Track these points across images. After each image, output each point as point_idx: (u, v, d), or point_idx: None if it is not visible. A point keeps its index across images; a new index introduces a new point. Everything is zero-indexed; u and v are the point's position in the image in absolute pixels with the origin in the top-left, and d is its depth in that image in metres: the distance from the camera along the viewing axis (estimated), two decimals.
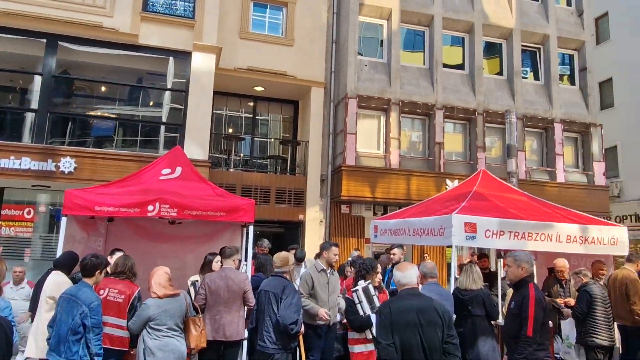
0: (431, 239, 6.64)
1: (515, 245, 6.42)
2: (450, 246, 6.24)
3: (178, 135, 10.70)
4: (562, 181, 13.66)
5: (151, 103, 11.68)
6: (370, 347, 4.91)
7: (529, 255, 4.21)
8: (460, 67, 13.93)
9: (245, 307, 5.04)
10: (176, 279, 4.86)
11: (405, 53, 13.53)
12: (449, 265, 8.31)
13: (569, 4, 15.45)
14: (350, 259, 7.66)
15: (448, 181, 12.25)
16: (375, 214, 12.37)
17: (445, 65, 13.52)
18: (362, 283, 4.94)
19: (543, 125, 14.05)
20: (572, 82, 15.00)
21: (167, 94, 11.34)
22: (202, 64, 10.78)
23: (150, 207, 5.38)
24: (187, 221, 6.52)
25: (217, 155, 13.16)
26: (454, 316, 5.28)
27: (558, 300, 6.16)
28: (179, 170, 6.21)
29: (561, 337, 6.29)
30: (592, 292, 5.81)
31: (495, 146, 13.91)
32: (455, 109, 13.15)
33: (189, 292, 5.15)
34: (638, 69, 17.57)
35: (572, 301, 6.14)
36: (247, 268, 5.79)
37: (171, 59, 11.00)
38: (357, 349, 4.95)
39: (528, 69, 14.69)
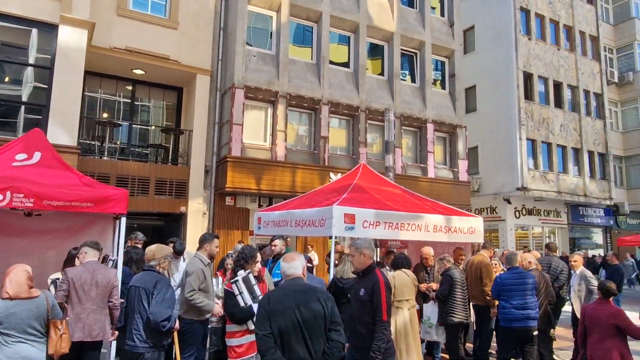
0: (313, 229, 6.79)
1: (389, 234, 6.85)
2: (331, 237, 6.45)
3: (41, 117, 9.54)
4: (432, 176, 14.95)
5: (7, 79, 10.23)
6: (251, 338, 4.78)
7: (370, 241, 4.32)
8: (346, 65, 14.46)
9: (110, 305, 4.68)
10: (34, 278, 4.33)
11: (294, 47, 13.65)
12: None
13: (442, 14, 16.86)
14: (231, 251, 7.50)
15: (332, 174, 12.66)
16: (260, 205, 12.34)
17: (331, 62, 13.92)
18: (242, 273, 4.84)
19: (418, 124, 15.21)
20: (443, 87, 16.45)
21: (29, 70, 10.03)
22: (71, 39, 9.72)
23: None
24: (48, 213, 5.83)
25: (89, 141, 12.01)
26: None
27: (421, 285, 6.71)
28: (37, 155, 5.50)
29: (422, 319, 6.88)
30: (453, 276, 6.49)
31: (376, 142, 14.72)
32: (340, 105, 13.63)
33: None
34: (496, 79, 19.94)
35: (434, 285, 6.76)
36: (119, 263, 5.37)
37: (34, 30, 9.74)
38: (235, 341, 4.83)
39: (406, 72, 15.77)
